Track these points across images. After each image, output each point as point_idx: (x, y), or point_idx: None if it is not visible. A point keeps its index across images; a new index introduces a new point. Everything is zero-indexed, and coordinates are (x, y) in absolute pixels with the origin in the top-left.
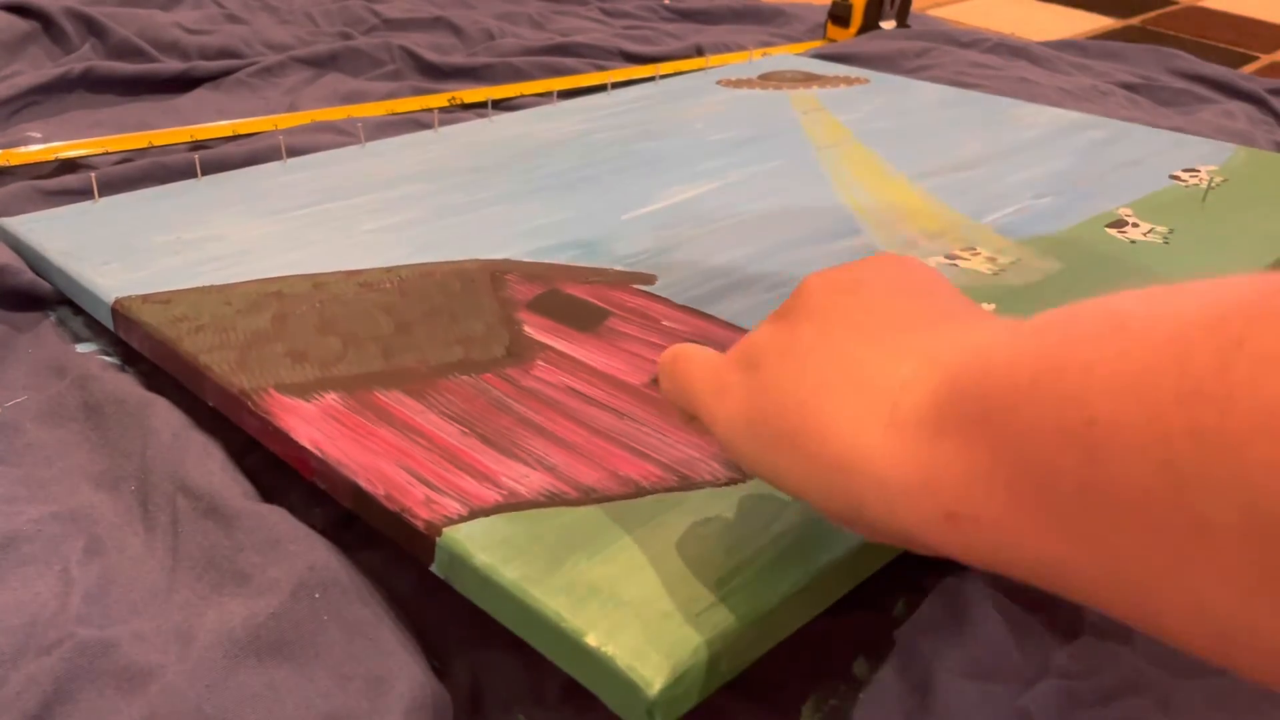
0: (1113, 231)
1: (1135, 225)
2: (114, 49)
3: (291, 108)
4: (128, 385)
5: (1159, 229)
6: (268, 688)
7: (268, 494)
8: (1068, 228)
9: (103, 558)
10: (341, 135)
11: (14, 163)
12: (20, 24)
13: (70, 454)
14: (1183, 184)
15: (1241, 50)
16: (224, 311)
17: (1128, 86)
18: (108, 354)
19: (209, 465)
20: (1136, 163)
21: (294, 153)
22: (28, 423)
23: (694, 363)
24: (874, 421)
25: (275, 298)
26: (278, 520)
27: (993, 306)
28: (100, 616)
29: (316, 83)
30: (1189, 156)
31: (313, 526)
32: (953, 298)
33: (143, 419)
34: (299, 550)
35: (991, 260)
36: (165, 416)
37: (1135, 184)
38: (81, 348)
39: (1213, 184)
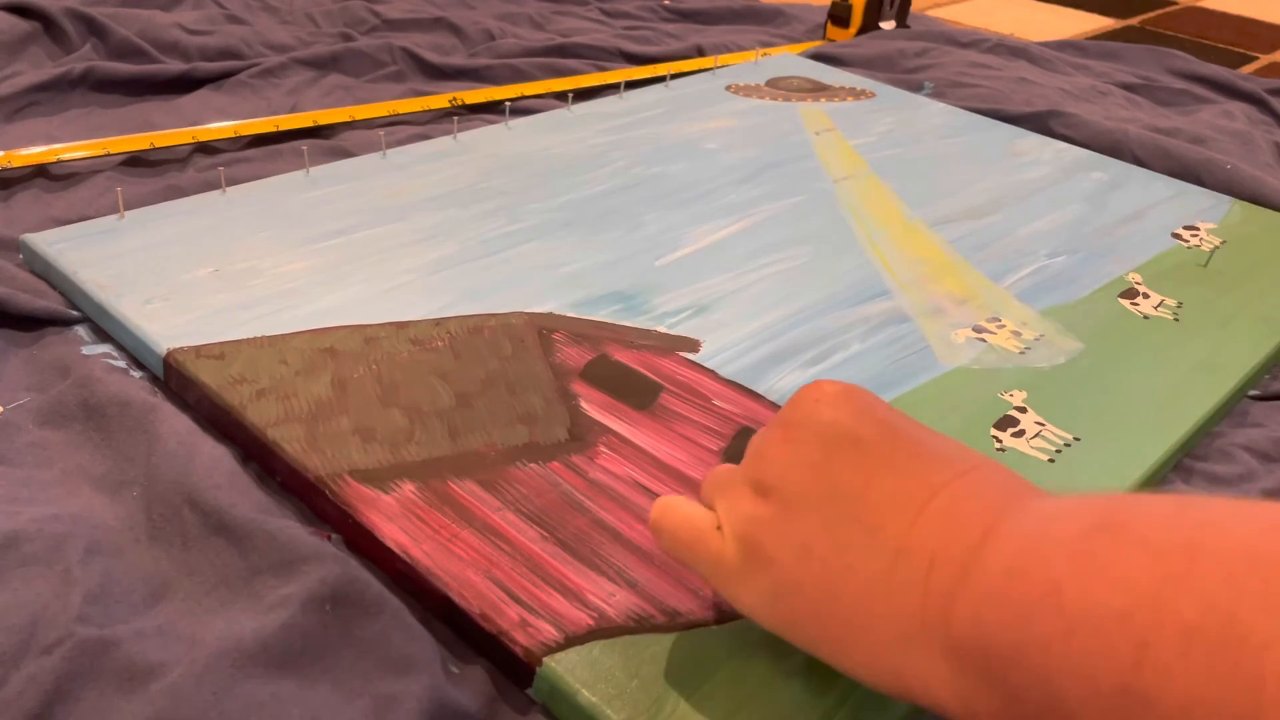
0: (1125, 303)
1: (1146, 296)
2: (115, 49)
3: (294, 109)
4: (133, 389)
5: (1169, 301)
6: (273, 699)
7: (277, 495)
8: (1084, 296)
9: (104, 559)
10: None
11: (16, 164)
12: (21, 24)
13: (72, 455)
14: (1185, 244)
15: (1241, 50)
16: (281, 372)
17: (1127, 87)
18: (114, 357)
19: (216, 476)
20: (1139, 215)
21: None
22: (30, 423)
23: (683, 528)
24: (914, 644)
25: (329, 355)
26: (289, 538)
27: (1024, 394)
28: (101, 616)
29: (318, 84)
30: (1189, 211)
31: (324, 534)
32: (908, 442)
33: (148, 424)
34: (310, 567)
35: (1017, 335)
36: (171, 422)
37: (1141, 243)
38: (88, 350)
39: (1215, 249)
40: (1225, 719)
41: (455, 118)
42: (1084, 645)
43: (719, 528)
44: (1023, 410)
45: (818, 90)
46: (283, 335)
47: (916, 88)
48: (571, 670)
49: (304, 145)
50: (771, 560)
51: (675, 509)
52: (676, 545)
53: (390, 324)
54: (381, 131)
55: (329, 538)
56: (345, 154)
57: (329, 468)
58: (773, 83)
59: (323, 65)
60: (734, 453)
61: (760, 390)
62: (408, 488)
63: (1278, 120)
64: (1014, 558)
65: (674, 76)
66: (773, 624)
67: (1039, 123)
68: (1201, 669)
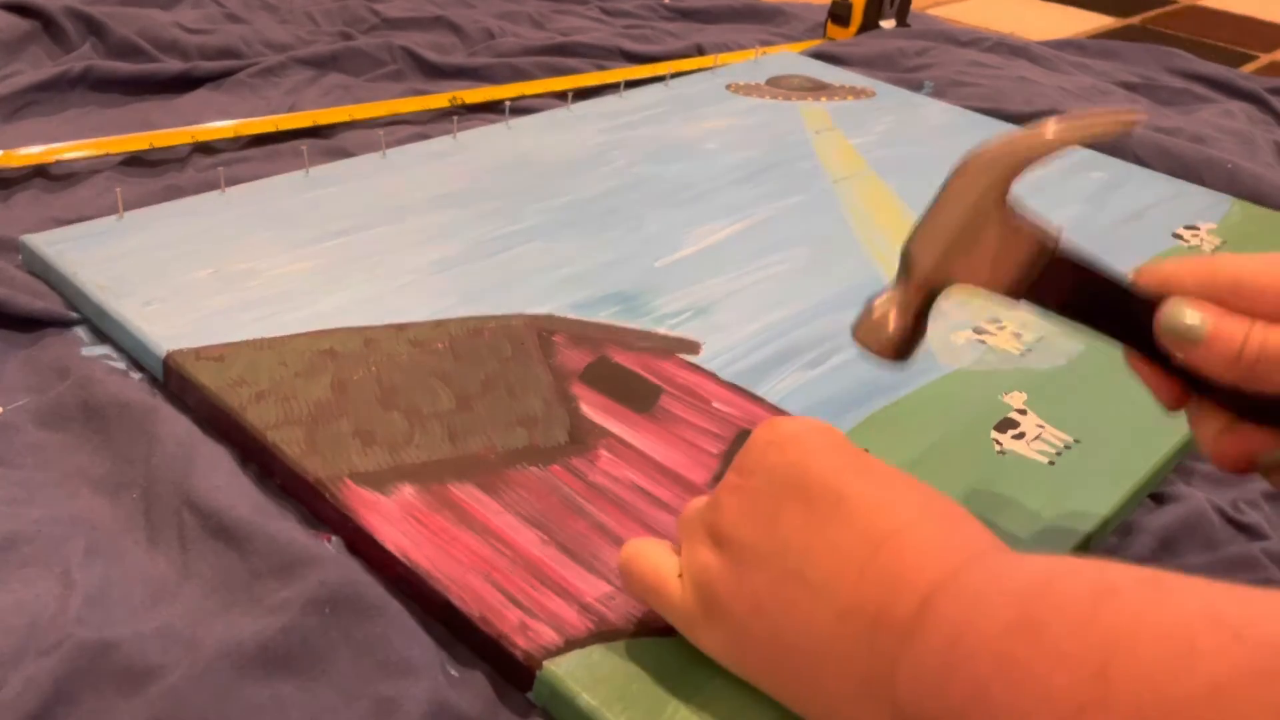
0: None
1: None
2: (114, 48)
3: (293, 108)
4: (132, 390)
5: None
6: (273, 701)
7: (277, 498)
8: None
9: (103, 560)
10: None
11: (15, 164)
12: (20, 23)
13: (71, 457)
14: (1185, 244)
15: (1241, 49)
16: (281, 374)
17: (1127, 86)
18: (113, 359)
19: (215, 478)
20: (1140, 215)
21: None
22: (29, 425)
23: (647, 574)
24: (864, 701)
25: (329, 357)
26: (289, 540)
27: (1024, 397)
28: (100, 618)
29: (317, 83)
30: (1188, 210)
31: (324, 536)
32: (858, 488)
33: (147, 426)
34: (310, 570)
35: (1017, 337)
36: (170, 424)
37: (1141, 243)
38: (87, 351)
39: (1215, 249)
40: None
41: (455, 117)
42: None
43: (680, 575)
44: (1023, 412)
45: (818, 89)
46: (282, 337)
47: (917, 87)
48: (571, 673)
49: (303, 145)
50: (727, 612)
51: (640, 555)
52: (641, 590)
53: (390, 326)
54: (381, 131)
55: (329, 540)
56: (345, 154)
57: (329, 470)
58: (773, 82)
59: (322, 64)
60: (733, 456)
61: (760, 392)
62: (407, 490)
63: (1278, 119)
64: (944, 650)
65: (674, 76)
66: (733, 669)
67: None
68: None
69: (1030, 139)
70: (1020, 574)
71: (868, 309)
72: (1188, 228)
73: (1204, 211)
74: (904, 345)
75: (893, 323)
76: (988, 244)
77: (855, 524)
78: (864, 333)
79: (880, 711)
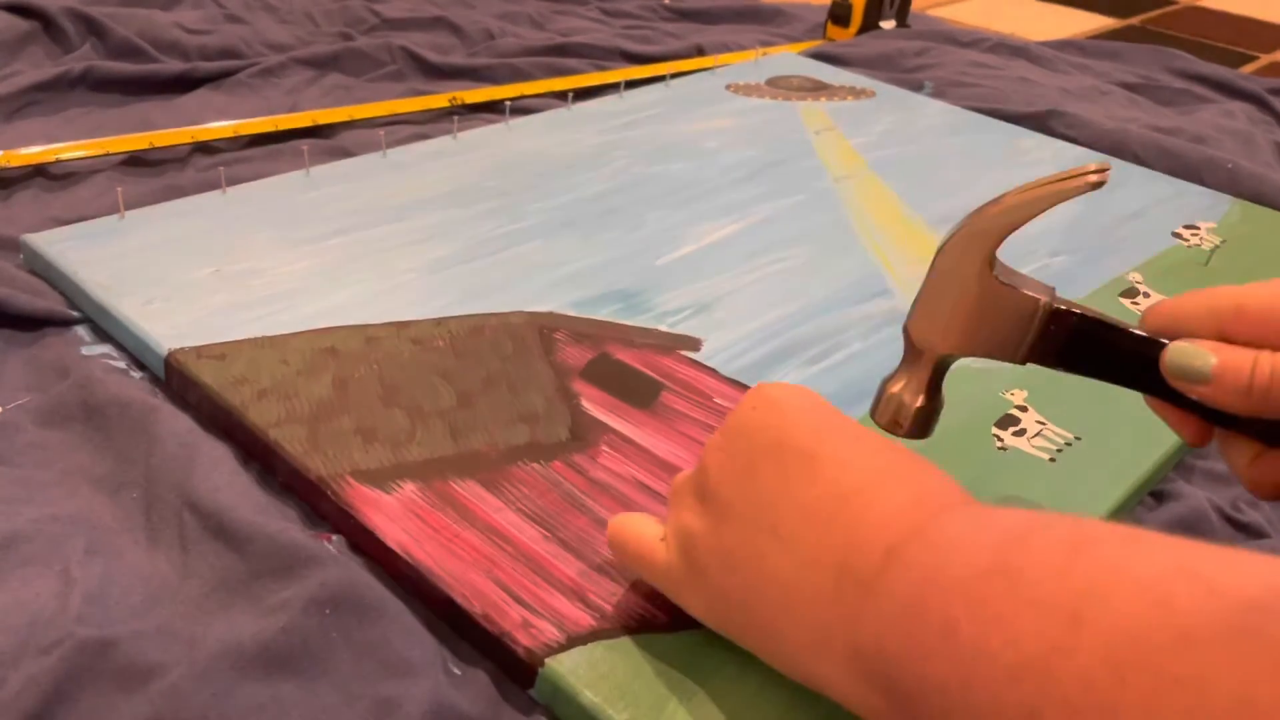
0: (1126, 302)
1: (1146, 295)
2: (114, 49)
3: (293, 108)
4: (132, 390)
5: None
6: (273, 700)
7: (277, 497)
8: (1084, 295)
9: (103, 560)
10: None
11: (15, 164)
12: (20, 24)
13: (71, 456)
14: (1185, 243)
15: (1241, 50)
16: (283, 372)
17: (1128, 86)
18: (114, 358)
19: (216, 478)
20: (1139, 215)
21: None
22: (29, 424)
23: (631, 543)
24: (822, 652)
25: (330, 355)
26: (289, 540)
27: (1025, 394)
28: (100, 617)
29: (318, 83)
30: (1189, 210)
31: (325, 536)
32: (831, 447)
33: (148, 425)
34: (310, 570)
35: None
36: (170, 424)
37: (1141, 243)
38: (88, 350)
39: (1215, 248)
40: None
41: (455, 117)
42: (978, 699)
43: (663, 539)
44: (1024, 409)
45: (818, 89)
46: (284, 335)
47: (917, 87)
48: (574, 671)
49: (304, 145)
50: (705, 568)
51: (625, 525)
52: (627, 559)
53: (391, 324)
54: (381, 131)
55: (329, 540)
56: (345, 153)
57: (330, 468)
58: (773, 82)
59: (322, 65)
60: None
61: None
62: (409, 488)
63: (1278, 119)
64: (914, 588)
65: (674, 76)
66: (714, 627)
67: (1039, 122)
68: None
69: (1004, 207)
70: (997, 524)
71: (882, 390)
72: (1187, 227)
73: (1204, 211)
74: (923, 422)
75: (908, 403)
76: (981, 315)
77: (823, 480)
78: (882, 415)
79: (835, 659)
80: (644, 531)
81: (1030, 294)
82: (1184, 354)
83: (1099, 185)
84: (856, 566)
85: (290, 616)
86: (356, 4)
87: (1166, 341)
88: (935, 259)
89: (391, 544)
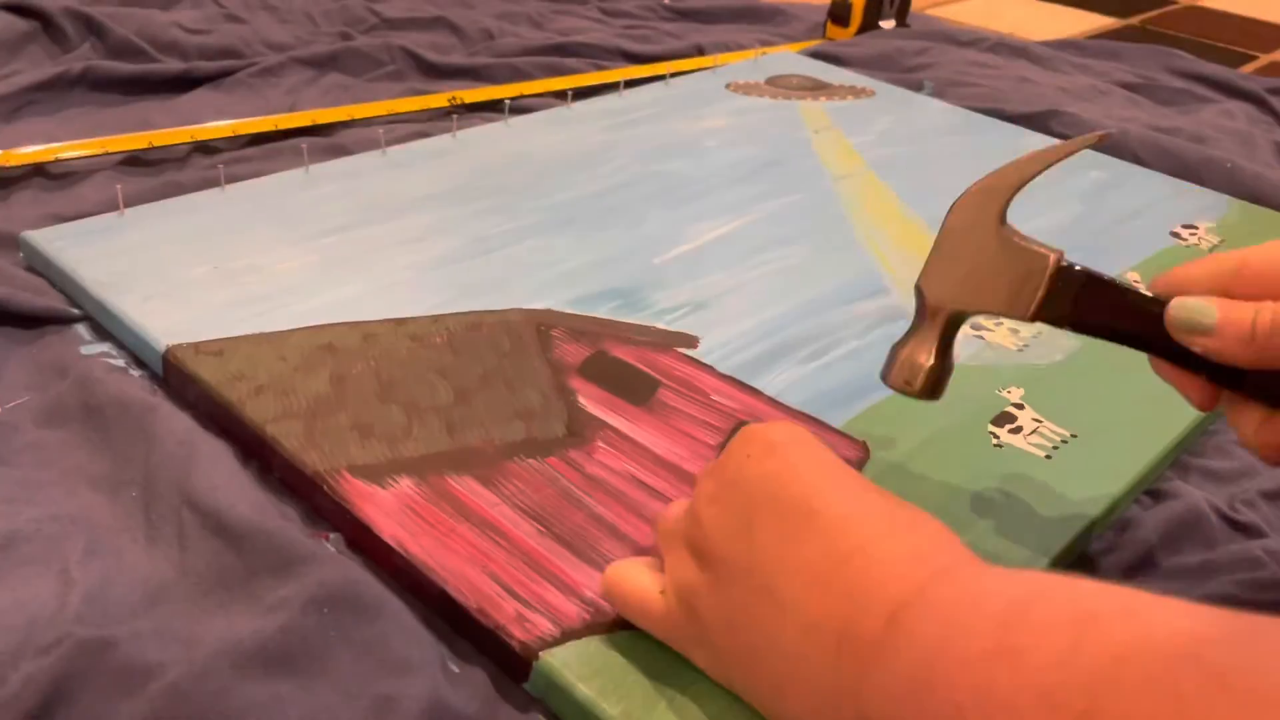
0: None
1: None
2: (113, 48)
3: (292, 108)
4: (132, 388)
5: None
6: (272, 699)
7: (276, 496)
8: None
9: (102, 559)
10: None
11: (14, 163)
12: (19, 23)
13: (71, 455)
14: (1183, 243)
15: (1241, 50)
16: (280, 369)
17: (1127, 86)
18: (113, 356)
19: (215, 477)
20: (1138, 214)
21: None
22: (28, 424)
23: (631, 597)
24: (829, 714)
25: (328, 352)
26: (288, 539)
27: (1021, 391)
28: (99, 617)
29: (317, 83)
30: (1187, 209)
31: (323, 535)
32: (829, 500)
33: (146, 424)
34: (309, 569)
35: (1015, 333)
36: (169, 422)
37: (1139, 242)
38: (87, 349)
39: (1213, 247)
40: None
41: (454, 116)
42: None
43: (662, 591)
44: (1020, 407)
45: (817, 89)
46: (281, 332)
47: (916, 87)
48: (568, 664)
49: (303, 144)
50: (707, 626)
51: (623, 579)
52: (627, 612)
53: (389, 320)
54: (381, 130)
55: (327, 538)
56: (344, 152)
57: (327, 463)
58: (772, 81)
59: (321, 64)
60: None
61: (758, 385)
62: (405, 483)
63: (1278, 119)
64: (918, 667)
65: (674, 75)
66: (720, 682)
67: (1039, 122)
68: None
69: (1014, 165)
70: (996, 595)
71: (893, 353)
72: (1186, 227)
73: (1203, 211)
74: (935, 383)
75: (920, 362)
76: (992, 270)
77: (822, 539)
78: (894, 377)
79: None
80: (642, 583)
81: (1041, 250)
82: (1187, 308)
83: (1103, 140)
84: (858, 634)
85: (289, 615)
86: (356, 4)
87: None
88: (948, 216)
89: (387, 538)
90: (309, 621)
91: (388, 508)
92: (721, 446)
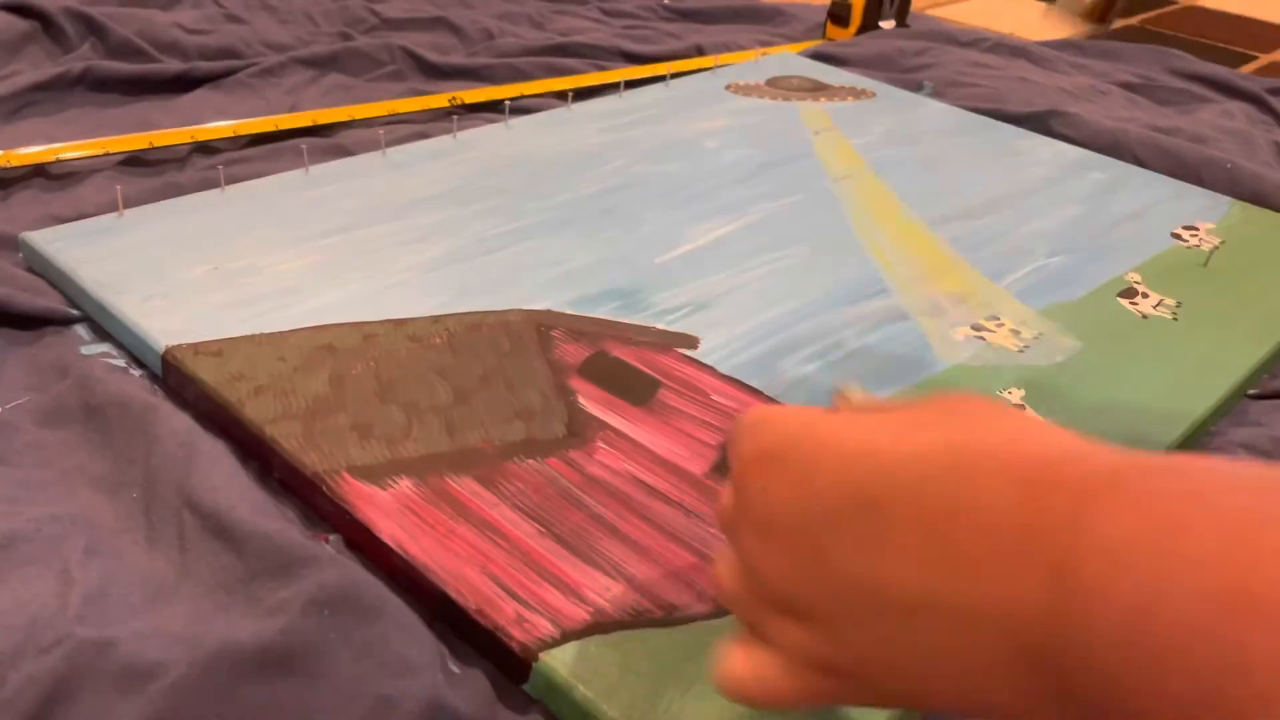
0: (1124, 302)
1: (1145, 295)
2: (113, 49)
3: (293, 108)
4: (132, 388)
5: (1168, 301)
6: (272, 700)
7: (276, 497)
8: (1083, 295)
9: (102, 560)
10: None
11: (15, 163)
12: (19, 23)
13: (71, 456)
14: (1184, 244)
15: (1240, 50)
16: (280, 369)
17: (1127, 86)
18: (113, 357)
19: (215, 478)
20: (1138, 215)
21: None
22: (28, 424)
23: (758, 695)
24: (984, 692)
25: (328, 352)
26: (288, 540)
27: (1022, 393)
28: (99, 617)
29: (317, 83)
30: (1188, 210)
31: (323, 537)
32: (873, 488)
33: (146, 424)
34: (309, 570)
35: (1016, 334)
36: (169, 422)
37: (1140, 243)
38: (87, 349)
39: (1214, 249)
40: None
41: (455, 117)
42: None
43: (773, 664)
44: (1021, 408)
45: (817, 90)
46: (281, 332)
47: (916, 87)
48: (568, 665)
49: (303, 144)
50: (844, 675)
51: (734, 674)
52: (753, 704)
53: (388, 321)
54: (381, 130)
55: (328, 540)
56: (345, 152)
57: (326, 464)
58: (772, 82)
59: (322, 65)
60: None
61: (759, 386)
62: (405, 484)
63: (1277, 119)
64: (1120, 626)
65: (674, 76)
66: (885, 706)
67: (1039, 122)
68: None
69: None
70: (1213, 502)
71: None
72: (1187, 228)
73: (1203, 212)
74: (1105, 6)
75: None
76: None
77: (901, 526)
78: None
79: (1012, 684)
80: (759, 673)
81: None
82: None
83: None
84: (1022, 608)
85: (289, 617)
86: (356, 4)
87: None
88: None
89: (386, 539)
90: (309, 623)
91: (387, 508)
92: (721, 445)
